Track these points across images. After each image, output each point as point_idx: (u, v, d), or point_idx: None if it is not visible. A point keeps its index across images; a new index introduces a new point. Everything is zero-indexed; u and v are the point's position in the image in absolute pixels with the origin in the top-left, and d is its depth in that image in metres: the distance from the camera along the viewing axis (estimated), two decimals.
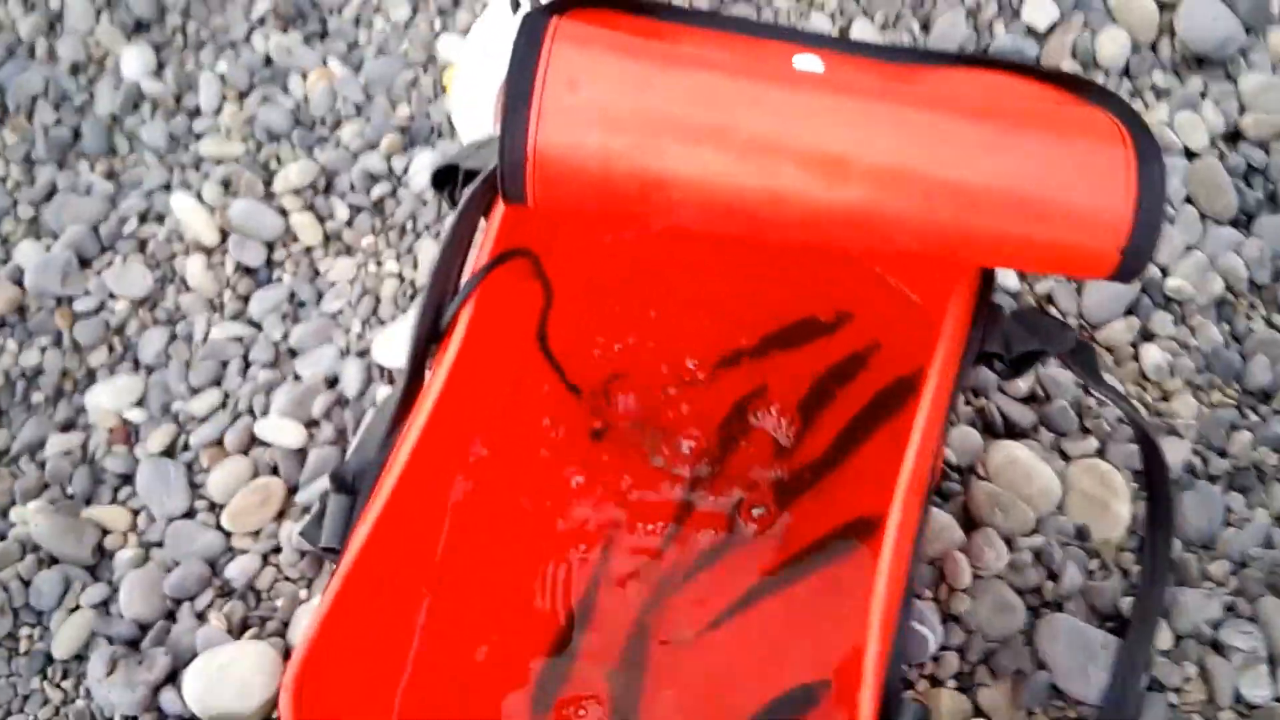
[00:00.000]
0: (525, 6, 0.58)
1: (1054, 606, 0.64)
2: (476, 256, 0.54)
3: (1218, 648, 0.62)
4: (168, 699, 0.63)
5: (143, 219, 0.81)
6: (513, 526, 0.63)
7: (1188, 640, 0.62)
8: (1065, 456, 0.68)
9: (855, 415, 0.65)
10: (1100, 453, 0.68)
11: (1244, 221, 0.75)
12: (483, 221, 0.55)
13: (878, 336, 0.67)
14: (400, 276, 0.78)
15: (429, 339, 0.52)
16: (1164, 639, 0.62)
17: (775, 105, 0.42)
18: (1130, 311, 0.72)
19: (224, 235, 0.79)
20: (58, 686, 0.66)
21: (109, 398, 0.74)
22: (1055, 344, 0.50)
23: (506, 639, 0.60)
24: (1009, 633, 0.63)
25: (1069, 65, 0.80)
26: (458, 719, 0.57)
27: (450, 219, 0.52)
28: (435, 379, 0.50)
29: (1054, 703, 0.62)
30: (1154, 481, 0.58)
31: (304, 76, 0.85)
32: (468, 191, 0.52)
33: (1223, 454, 0.68)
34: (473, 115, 0.73)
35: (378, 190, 0.80)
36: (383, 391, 0.72)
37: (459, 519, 0.60)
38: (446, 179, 0.55)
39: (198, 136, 0.84)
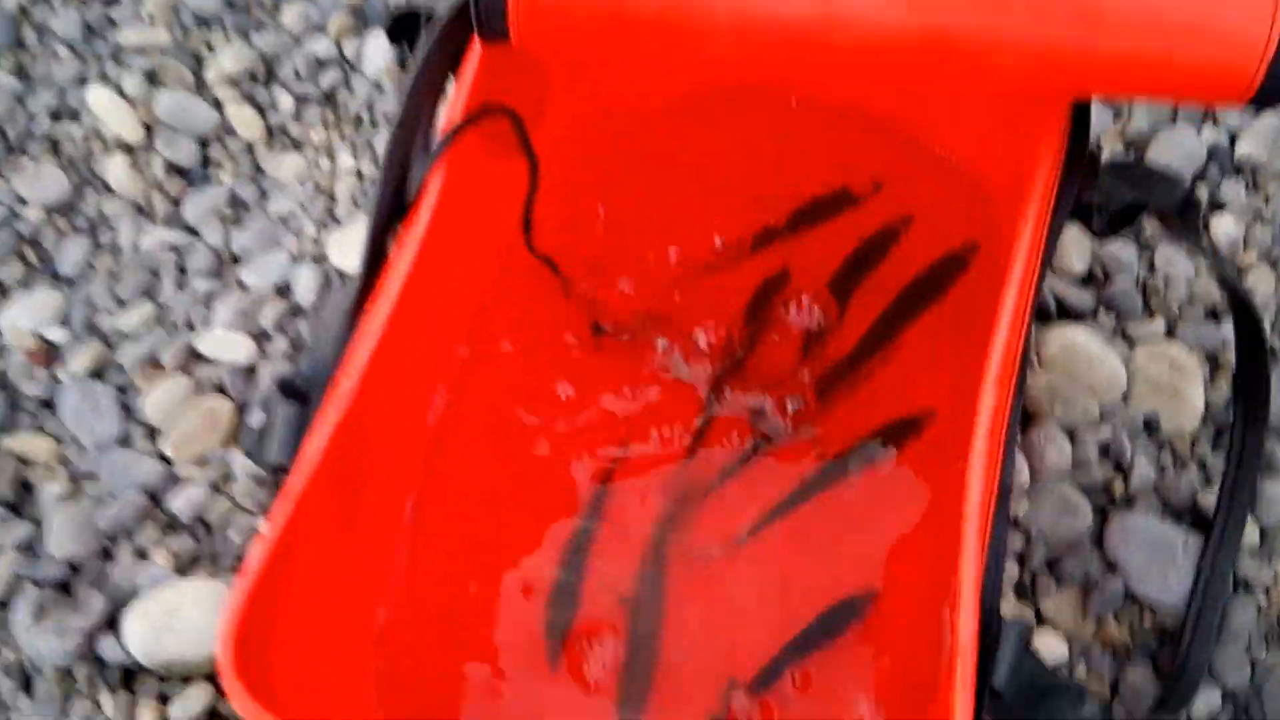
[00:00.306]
0: None
1: (1124, 505, 0.62)
2: (447, 114, 0.51)
3: None
4: (106, 646, 0.61)
5: (55, 117, 0.78)
6: (505, 444, 0.61)
7: (1277, 535, 0.61)
8: (1130, 341, 0.67)
9: (897, 297, 0.63)
10: (1169, 334, 0.67)
11: None
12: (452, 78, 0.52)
13: (913, 209, 0.65)
14: (358, 173, 0.75)
15: (393, 212, 0.49)
16: (1250, 536, 0.61)
17: None
18: (1198, 179, 0.71)
19: (149, 131, 0.77)
20: None
21: (25, 315, 0.71)
22: (1162, 196, 0.48)
23: (503, 573, 0.58)
24: (1075, 536, 0.61)
25: None
26: (452, 672, 0.55)
27: (410, 71, 0.49)
28: (401, 260, 0.48)
29: (1127, 609, 0.60)
30: (1246, 352, 0.57)
31: None
32: (431, 29, 0.49)
33: None
34: None
35: (327, 78, 0.78)
36: None
37: (442, 436, 0.58)
38: (406, 29, 0.53)
39: (116, 25, 0.81)
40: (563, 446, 0.61)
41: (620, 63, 0.63)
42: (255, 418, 0.67)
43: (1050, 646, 0.59)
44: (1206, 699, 0.58)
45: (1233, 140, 0.72)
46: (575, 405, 0.62)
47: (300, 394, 0.46)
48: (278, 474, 0.46)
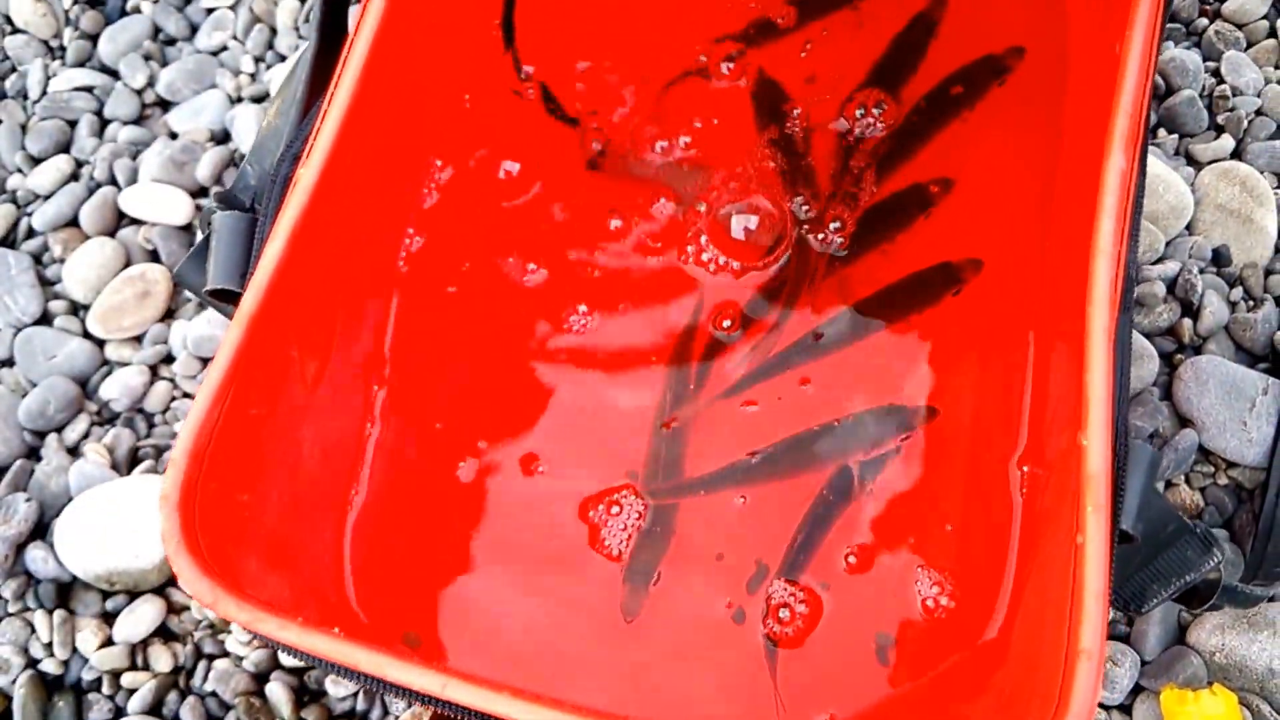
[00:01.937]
0: None
1: (1194, 350, 0.52)
2: None
3: None
4: (35, 557, 0.50)
5: None
6: (488, 289, 0.49)
7: None
8: (1194, 162, 0.56)
9: (938, 85, 0.51)
10: (1237, 154, 0.56)
11: None
12: None
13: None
14: None
15: None
16: None
17: None
18: None
19: None
20: None
21: None
22: None
23: (495, 442, 0.47)
24: (1141, 386, 0.51)
25: None
26: (441, 560, 0.45)
27: None
28: (360, 35, 0.35)
29: (1200, 467, 0.51)
30: None
31: None
32: None
33: None
34: None
35: None
36: None
37: (416, 278, 0.46)
38: None
39: None
40: (558, 283, 0.49)
41: None
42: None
43: None
44: None
45: None
46: (567, 238, 0.50)
47: (245, 206, 0.34)
48: (215, 299, 0.34)
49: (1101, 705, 0.48)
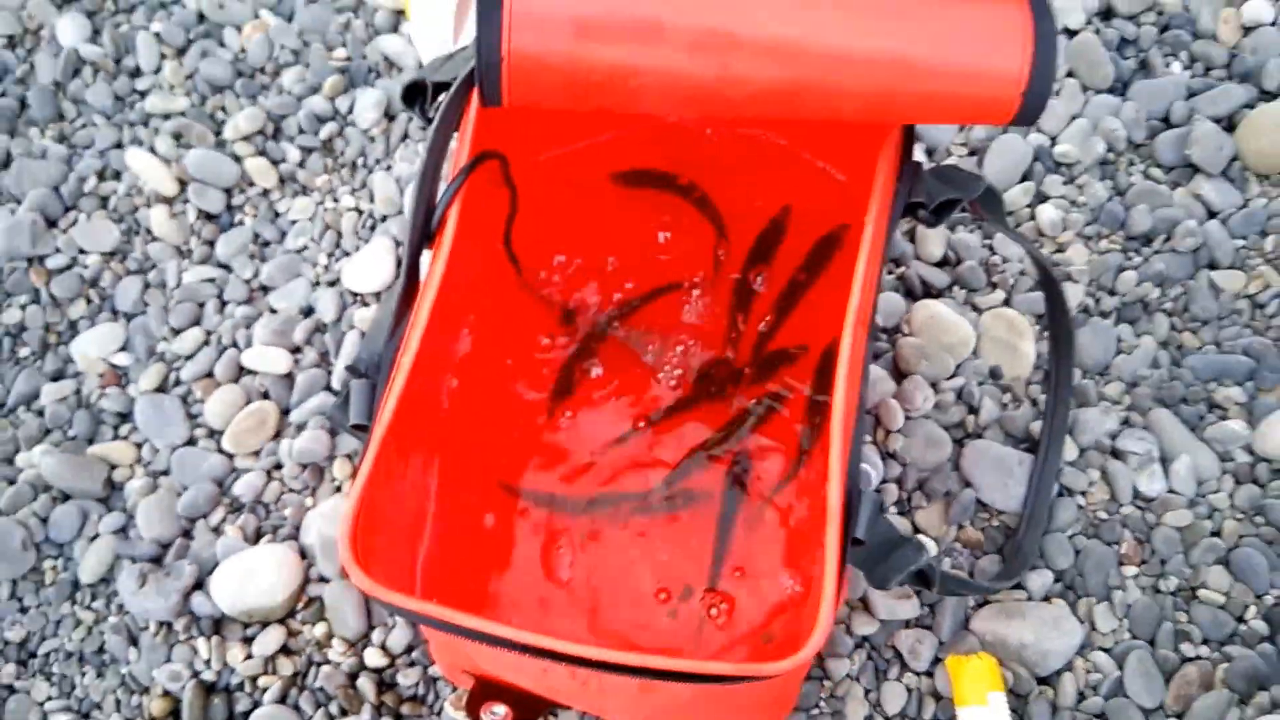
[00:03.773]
0: None
1: (975, 436, 0.76)
2: (454, 162, 0.63)
3: (1116, 454, 0.75)
4: (198, 602, 0.73)
5: (101, 177, 0.88)
6: (497, 404, 0.73)
7: (1090, 451, 0.76)
8: (977, 309, 0.81)
9: (796, 269, 0.76)
10: (1006, 302, 0.81)
11: (1120, 89, 0.88)
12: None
13: (799, 205, 0.77)
14: (358, 210, 0.87)
15: (423, 240, 0.61)
16: (1070, 451, 0.75)
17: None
18: (1026, 177, 0.84)
19: (182, 185, 0.87)
20: (88, 608, 0.75)
21: (94, 346, 0.82)
22: (969, 189, 0.60)
23: (500, 502, 0.71)
24: (939, 462, 0.75)
25: None
26: (475, 561, 0.68)
27: (430, 130, 0.61)
28: (433, 273, 0.60)
29: (979, 515, 0.75)
30: (1054, 311, 0.71)
31: (238, 29, 0.93)
32: (444, 99, 0.61)
33: (1112, 292, 0.81)
34: (432, 34, 0.82)
35: (326, 130, 0.89)
36: (359, 314, 0.81)
37: (456, 402, 0.70)
38: (416, 95, 0.64)
39: (142, 94, 0.92)
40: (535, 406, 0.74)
41: (580, 112, 0.75)
42: (295, 415, 0.79)
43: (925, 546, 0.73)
44: (1041, 579, 0.72)
45: (1053, 141, 0.86)
46: (545, 362, 0.75)
47: (365, 374, 0.58)
48: (354, 430, 0.57)
49: (912, 671, 0.71)
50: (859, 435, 0.55)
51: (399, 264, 0.82)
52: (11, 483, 0.78)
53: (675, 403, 0.75)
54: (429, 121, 0.63)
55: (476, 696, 0.64)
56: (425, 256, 0.61)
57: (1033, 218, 0.83)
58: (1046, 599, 0.72)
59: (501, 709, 0.63)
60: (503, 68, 0.50)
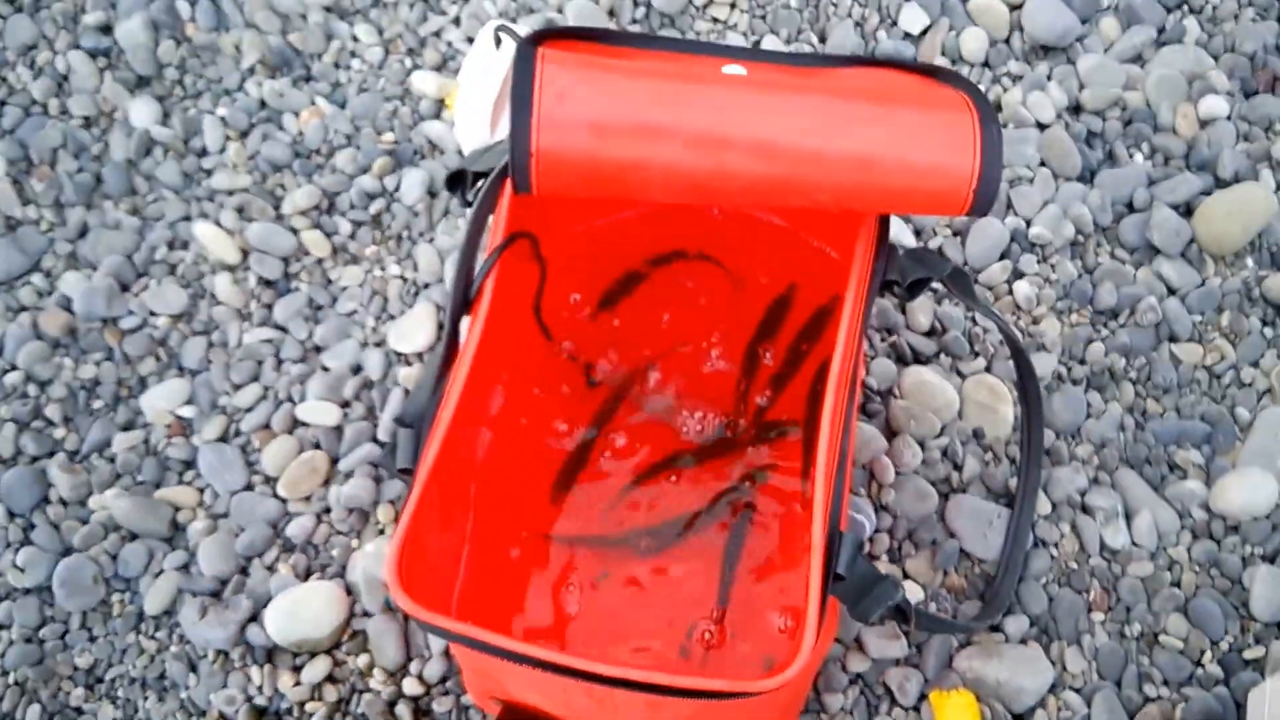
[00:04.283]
0: (507, 42, 0.75)
1: (959, 490, 0.84)
2: (490, 240, 0.71)
3: (1085, 509, 0.83)
4: (253, 633, 0.80)
5: (170, 246, 0.97)
6: (527, 456, 0.81)
7: (1062, 506, 0.83)
8: (961, 375, 0.88)
9: (794, 338, 0.84)
10: (988, 369, 0.88)
11: (1088, 177, 0.96)
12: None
13: (800, 280, 0.86)
14: (403, 278, 0.95)
15: (462, 307, 0.69)
16: (1043, 506, 0.83)
17: (715, 105, 0.60)
18: (1004, 256, 0.93)
19: (244, 254, 0.96)
20: (152, 638, 0.82)
21: (162, 399, 0.90)
22: (937, 270, 0.68)
23: (521, 545, 0.78)
24: (925, 514, 0.82)
25: (941, 60, 1.00)
26: (502, 596, 0.76)
27: (470, 212, 0.69)
28: (471, 337, 0.68)
29: (962, 563, 0.82)
30: (1023, 377, 0.79)
31: (296, 115, 1.02)
32: (482, 186, 0.70)
33: (1082, 362, 0.88)
34: (471, 124, 0.91)
35: (375, 206, 0.97)
36: (403, 373, 0.89)
37: (490, 451, 0.78)
38: (458, 181, 0.73)
39: (208, 172, 1.00)
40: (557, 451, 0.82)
41: (598, 200, 0.84)
42: (344, 464, 0.86)
43: (912, 591, 0.80)
44: (1018, 623, 0.79)
45: (1028, 224, 0.94)
46: (566, 417, 0.83)
47: (411, 425, 0.65)
48: (401, 474, 0.64)
49: (900, 706, 0.77)
50: (840, 481, 0.62)
51: (440, 328, 0.90)
52: (85, 522, 0.85)
53: (687, 455, 0.82)
54: (469, 204, 0.71)
55: (506, 714, 0.70)
56: (464, 322, 0.69)
57: (1010, 293, 0.91)
58: (1023, 641, 0.79)
59: None
60: (531, 163, 0.58)
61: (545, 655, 0.57)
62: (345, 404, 0.89)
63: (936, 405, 0.86)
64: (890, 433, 0.86)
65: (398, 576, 0.59)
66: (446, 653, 0.79)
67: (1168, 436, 0.85)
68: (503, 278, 0.71)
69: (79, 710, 0.80)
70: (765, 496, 0.80)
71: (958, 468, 0.84)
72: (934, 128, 0.60)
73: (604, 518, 0.80)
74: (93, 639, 0.82)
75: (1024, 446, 0.82)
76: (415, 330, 0.91)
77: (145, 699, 0.80)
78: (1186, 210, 0.93)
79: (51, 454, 0.88)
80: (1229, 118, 0.97)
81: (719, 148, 0.59)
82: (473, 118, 0.91)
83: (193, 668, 0.81)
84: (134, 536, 0.85)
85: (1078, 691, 0.77)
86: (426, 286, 0.94)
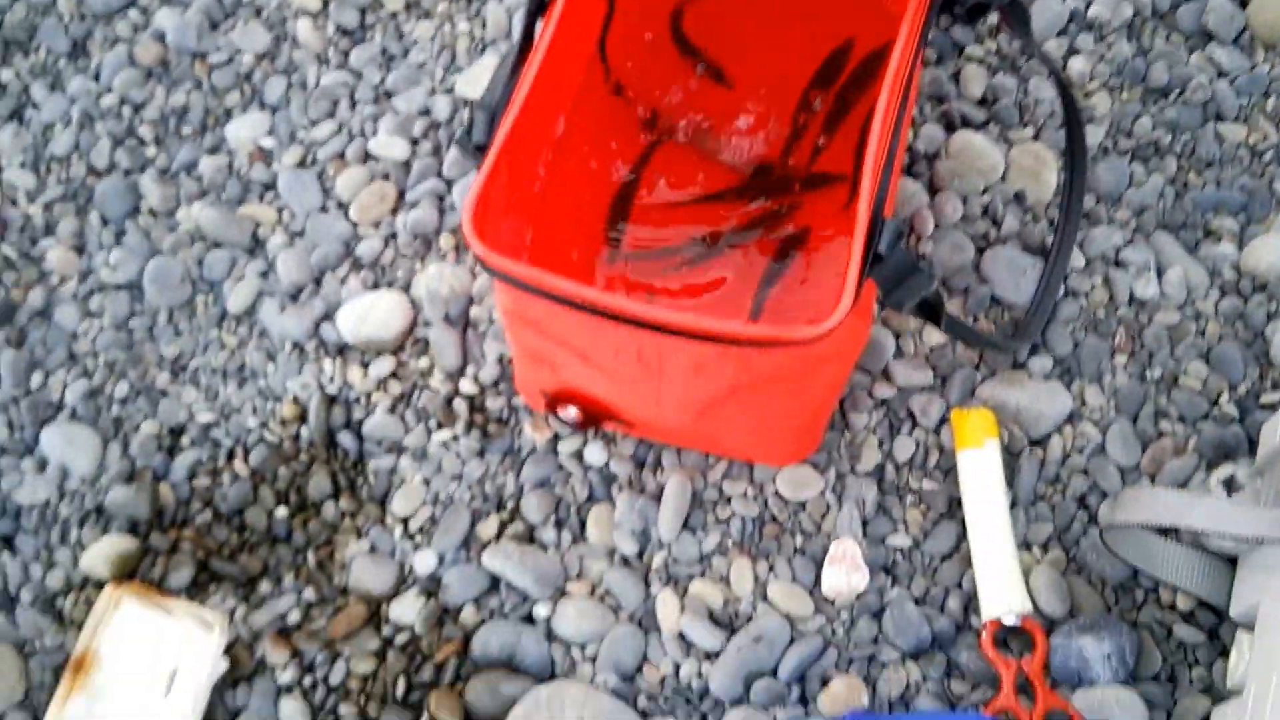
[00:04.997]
0: None
1: (998, 244, 0.86)
2: None
3: (1119, 264, 0.85)
4: (326, 330, 0.86)
5: None
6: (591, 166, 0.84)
7: (1096, 261, 0.85)
8: (1009, 142, 0.90)
9: (845, 79, 0.86)
10: (1035, 138, 0.90)
11: None
12: None
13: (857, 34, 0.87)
14: (471, 35, 0.98)
15: (538, 9, 0.72)
16: (1077, 261, 0.85)
17: None
18: (1060, 34, 0.94)
19: (324, 3, 0.99)
20: (234, 334, 0.88)
21: (245, 129, 0.95)
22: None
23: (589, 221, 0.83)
24: (962, 263, 0.85)
25: None
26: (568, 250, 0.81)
27: None
28: (543, 38, 0.71)
29: (992, 309, 0.85)
30: (1071, 125, 0.80)
31: None
32: None
33: (1128, 135, 0.90)
34: None
35: None
36: (468, 115, 0.93)
37: (557, 148, 0.81)
38: None
39: None
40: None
41: None
42: (410, 195, 0.91)
43: (942, 336, 0.83)
44: (1041, 363, 0.82)
45: (1087, 4, 0.95)
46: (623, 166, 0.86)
47: (485, 108, 0.68)
48: (475, 151, 0.67)
49: (922, 428, 0.81)
50: (888, 170, 0.65)
51: None
52: (173, 231, 0.91)
53: (736, 190, 0.85)
54: None
55: (553, 399, 0.75)
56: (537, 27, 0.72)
57: (1065, 68, 0.93)
58: (1045, 379, 0.82)
59: (573, 410, 0.75)
60: None
61: (606, 299, 0.61)
62: (414, 141, 0.93)
63: (982, 166, 0.88)
64: (933, 191, 0.88)
65: (474, 224, 0.63)
66: (500, 360, 0.85)
67: (1205, 204, 0.87)
68: (570, 9, 0.73)
69: (164, 392, 0.86)
70: (810, 228, 0.83)
71: (996, 224, 0.87)
72: None
73: (652, 240, 0.84)
74: (178, 333, 0.88)
75: (1065, 197, 0.84)
76: (482, 77, 0.94)
77: (225, 386, 0.86)
78: (1242, 0, 0.94)
79: (143, 169, 0.93)
80: None
81: None
82: None
83: (270, 358, 0.87)
84: (218, 245, 0.90)
85: (1095, 424, 0.80)
86: (494, 42, 0.97)
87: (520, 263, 0.62)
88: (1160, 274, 0.84)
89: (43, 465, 0.84)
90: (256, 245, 0.91)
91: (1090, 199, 0.87)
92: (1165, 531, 0.73)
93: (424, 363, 0.85)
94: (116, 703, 0.76)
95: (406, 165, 0.92)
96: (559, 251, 0.81)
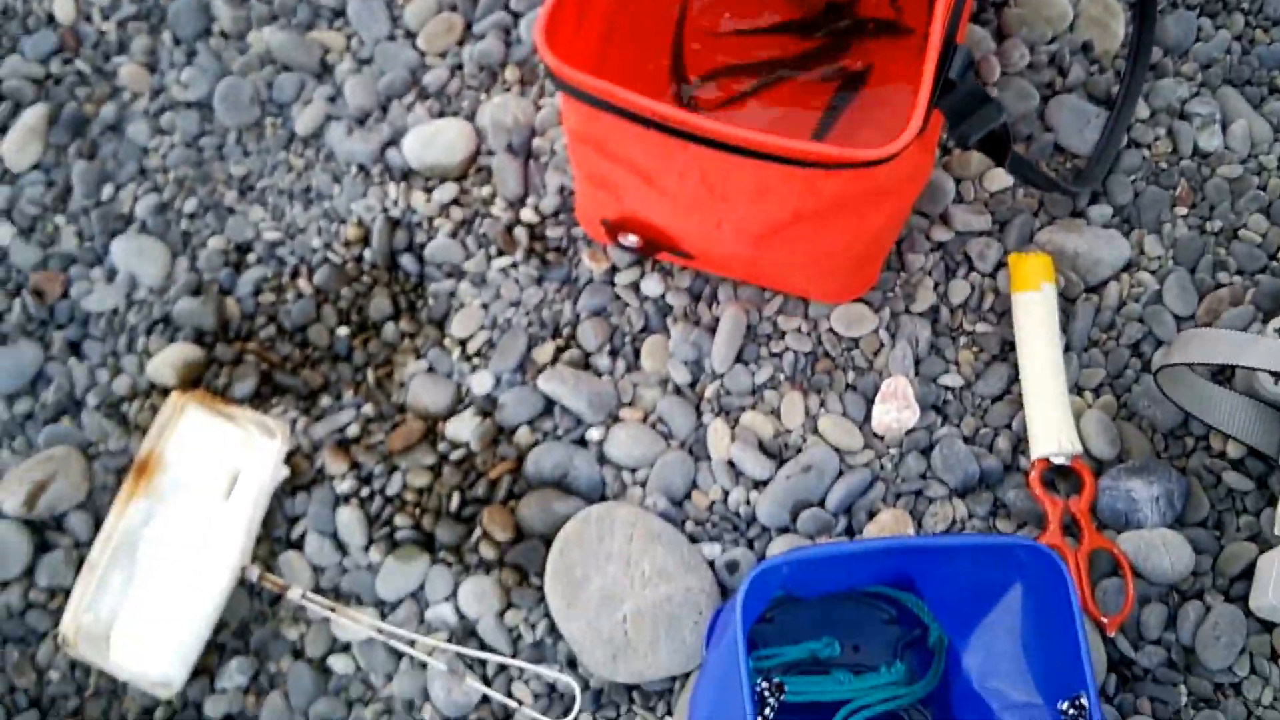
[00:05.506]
0: None
1: (1064, 93, 0.85)
2: None
3: (1183, 116, 0.84)
4: (391, 154, 0.86)
5: None
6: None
7: (1160, 113, 0.84)
8: None
9: None
10: None
11: None
12: None
13: None
14: None
15: None
16: (1142, 111, 0.84)
17: None
18: None
19: None
20: (301, 156, 0.88)
21: None
22: None
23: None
24: (1026, 110, 0.85)
25: None
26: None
27: None
28: None
29: (1054, 158, 0.84)
30: None
31: None
32: None
33: None
34: None
35: None
36: None
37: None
38: None
39: None
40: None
41: None
42: (477, 28, 0.90)
43: (1004, 179, 0.83)
44: (1101, 211, 0.82)
45: None
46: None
47: None
48: None
49: (978, 272, 0.81)
50: (959, 6, 0.64)
51: None
52: (243, 53, 0.91)
53: (801, 19, 0.85)
54: None
55: (615, 226, 0.76)
56: None
57: None
58: (1104, 227, 0.82)
59: (633, 238, 0.76)
60: None
61: (675, 113, 0.60)
62: None
63: (1050, 15, 0.87)
64: (1000, 37, 0.87)
65: (545, 37, 0.63)
66: (561, 190, 0.85)
67: (1271, 60, 0.85)
68: None
69: (231, 210, 0.88)
70: (874, 66, 0.83)
71: (1063, 73, 0.86)
72: None
73: (718, 66, 0.84)
74: (246, 153, 0.89)
75: (1133, 48, 0.83)
76: None
77: (292, 206, 0.87)
78: None
79: None
80: None
81: None
82: None
83: (336, 180, 0.87)
84: (287, 69, 0.91)
85: (1152, 273, 0.80)
86: None
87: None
88: (1224, 127, 0.83)
89: (112, 275, 0.86)
90: (325, 70, 0.91)
91: (1157, 51, 0.86)
92: (1220, 379, 0.73)
93: (486, 191, 0.86)
94: (178, 505, 0.79)
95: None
96: (627, 72, 0.81)
